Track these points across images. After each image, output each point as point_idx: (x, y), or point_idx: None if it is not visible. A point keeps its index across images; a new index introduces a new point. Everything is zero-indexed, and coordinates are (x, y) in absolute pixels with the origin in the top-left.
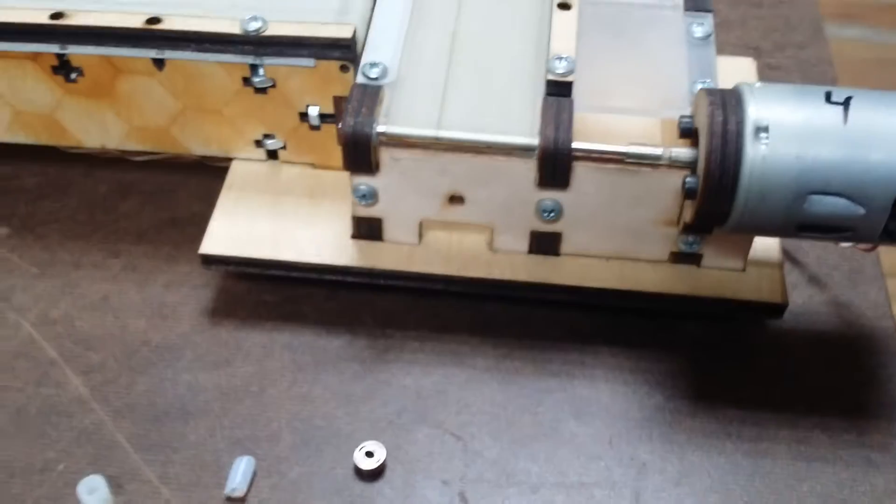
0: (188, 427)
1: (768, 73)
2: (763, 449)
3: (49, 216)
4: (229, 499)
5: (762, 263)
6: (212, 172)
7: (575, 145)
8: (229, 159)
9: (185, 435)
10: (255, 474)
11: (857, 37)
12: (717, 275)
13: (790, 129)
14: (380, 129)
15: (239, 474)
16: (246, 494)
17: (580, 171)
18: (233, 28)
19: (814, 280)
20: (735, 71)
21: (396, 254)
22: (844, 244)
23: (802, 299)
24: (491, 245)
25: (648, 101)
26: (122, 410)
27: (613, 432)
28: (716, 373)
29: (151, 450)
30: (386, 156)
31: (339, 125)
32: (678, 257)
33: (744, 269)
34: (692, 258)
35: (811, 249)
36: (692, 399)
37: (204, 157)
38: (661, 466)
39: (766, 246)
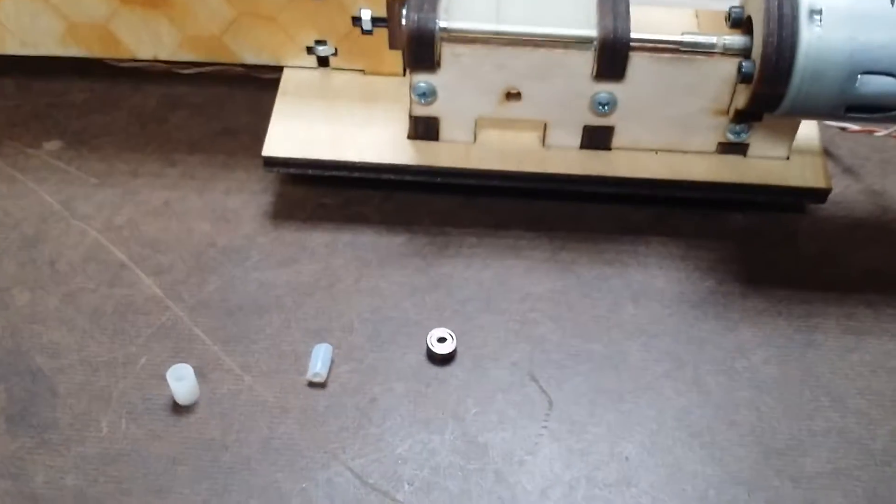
0: (263, 320)
1: None
2: (813, 325)
3: (101, 129)
4: (311, 383)
5: (804, 152)
6: (258, 84)
7: (633, 35)
8: (276, 70)
9: (262, 327)
10: (332, 361)
11: None
12: (763, 163)
13: (842, 11)
14: (442, 24)
15: (319, 360)
16: (326, 379)
17: (636, 61)
18: None
19: (848, 171)
20: None
21: (453, 152)
22: (880, 132)
23: (839, 188)
24: (544, 141)
25: None
26: (196, 307)
27: (671, 313)
28: (763, 258)
29: (230, 342)
30: (447, 52)
31: (401, 23)
32: (725, 148)
33: (788, 158)
34: (739, 148)
35: (843, 142)
36: (742, 282)
37: (253, 67)
38: (718, 342)
39: (806, 136)
